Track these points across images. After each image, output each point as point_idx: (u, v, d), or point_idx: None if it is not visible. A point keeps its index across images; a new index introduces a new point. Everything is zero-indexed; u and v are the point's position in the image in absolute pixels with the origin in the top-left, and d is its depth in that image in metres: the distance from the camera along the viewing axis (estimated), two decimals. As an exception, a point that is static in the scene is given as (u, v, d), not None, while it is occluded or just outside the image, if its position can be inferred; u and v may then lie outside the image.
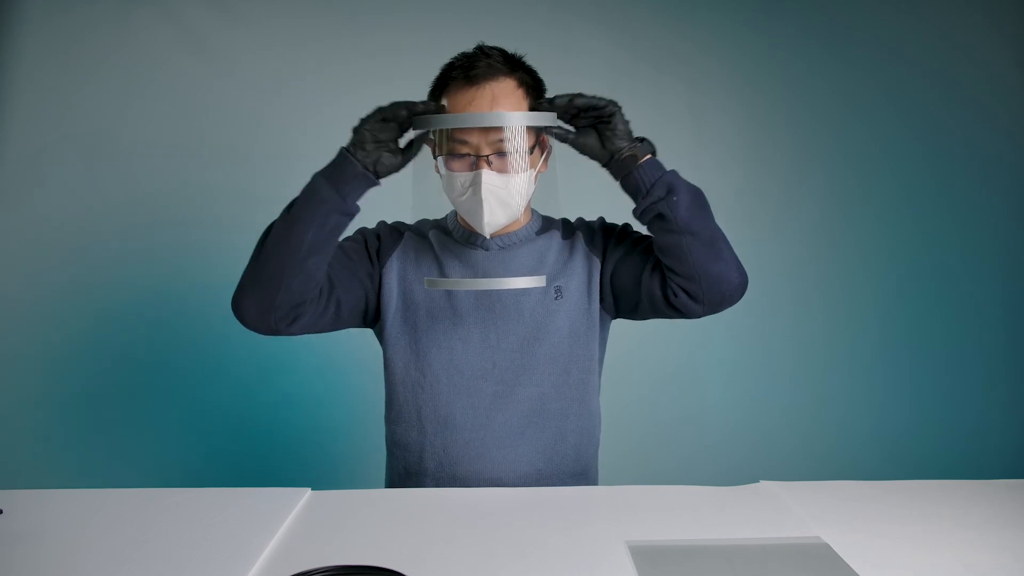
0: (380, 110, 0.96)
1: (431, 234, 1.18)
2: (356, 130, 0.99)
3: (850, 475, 1.14)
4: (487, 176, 1.01)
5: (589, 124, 1.01)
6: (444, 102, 1.07)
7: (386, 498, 0.99)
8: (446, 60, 1.12)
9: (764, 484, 1.07)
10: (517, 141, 1.01)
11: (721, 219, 1.16)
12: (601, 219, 1.24)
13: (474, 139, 1.01)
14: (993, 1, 2.21)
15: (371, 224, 1.22)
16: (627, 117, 1.02)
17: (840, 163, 2.21)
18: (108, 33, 1.94)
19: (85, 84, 1.94)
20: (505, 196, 1.02)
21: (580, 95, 0.98)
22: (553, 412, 1.12)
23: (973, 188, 2.22)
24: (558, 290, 1.13)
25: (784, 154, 2.20)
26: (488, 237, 1.08)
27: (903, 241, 2.21)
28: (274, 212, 2.10)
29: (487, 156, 1.01)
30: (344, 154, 1.00)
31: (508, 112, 1.02)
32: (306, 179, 1.02)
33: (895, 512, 0.96)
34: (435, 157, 1.09)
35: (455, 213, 1.19)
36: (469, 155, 1.02)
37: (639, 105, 2.10)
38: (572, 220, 1.25)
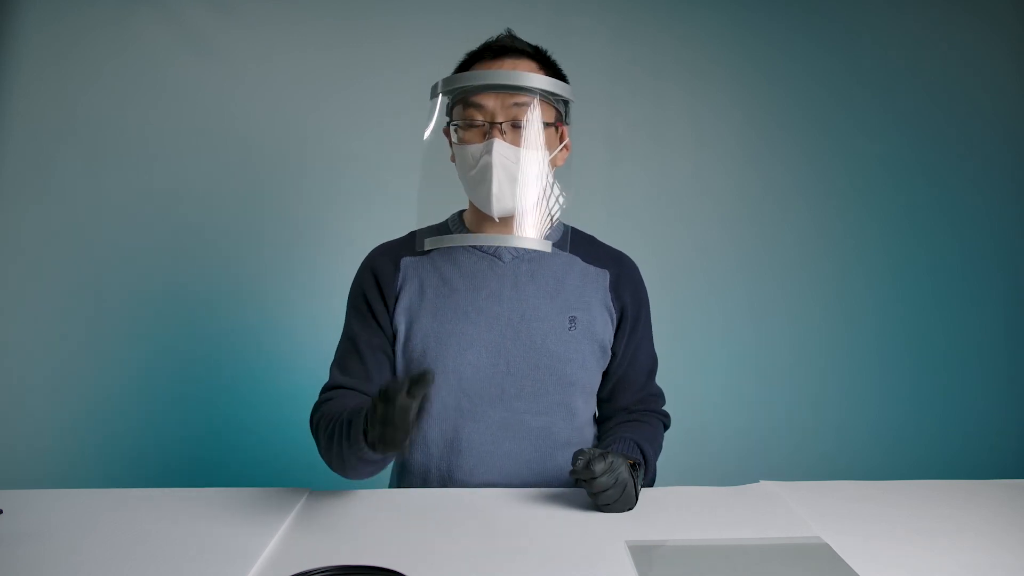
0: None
1: (435, 253, 1.12)
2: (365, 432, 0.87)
3: (849, 475, 1.14)
4: (499, 146, 0.97)
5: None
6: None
7: (386, 498, 0.99)
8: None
9: (764, 484, 1.07)
10: (534, 109, 0.97)
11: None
12: (635, 271, 1.19)
13: (490, 103, 0.98)
14: (989, 3, 2.22)
15: (363, 238, 1.20)
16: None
17: (839, 164, 2.21)
18: (109, 35, 1.94)
19: (87, 85, 1.93)
20: (515, 171, 0.97)
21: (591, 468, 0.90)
22: (560, 441, 1.10)
23: (971, 189, 2.23)
24: (572, 320, 1.09)
25: (783, 155, 2.20)
26: (496, 219, 1.02)
27: (902, 242, 2.22)
28: (275, 213, 2.11)
29: (500, 124, 0.98)
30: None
31: (526, 73, 0.94)
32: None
33: (895, 512, 0.96)
34: (452, 146, 1.07)
35: (459, 216, 1.16)
36: (483, 124, 0.99)
37: (639, 107, 2.13)
38: (597, 241, 1.19)
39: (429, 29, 2.04)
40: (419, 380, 0.80)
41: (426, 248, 0.96)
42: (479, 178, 0.99)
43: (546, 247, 0.93)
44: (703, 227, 2.17)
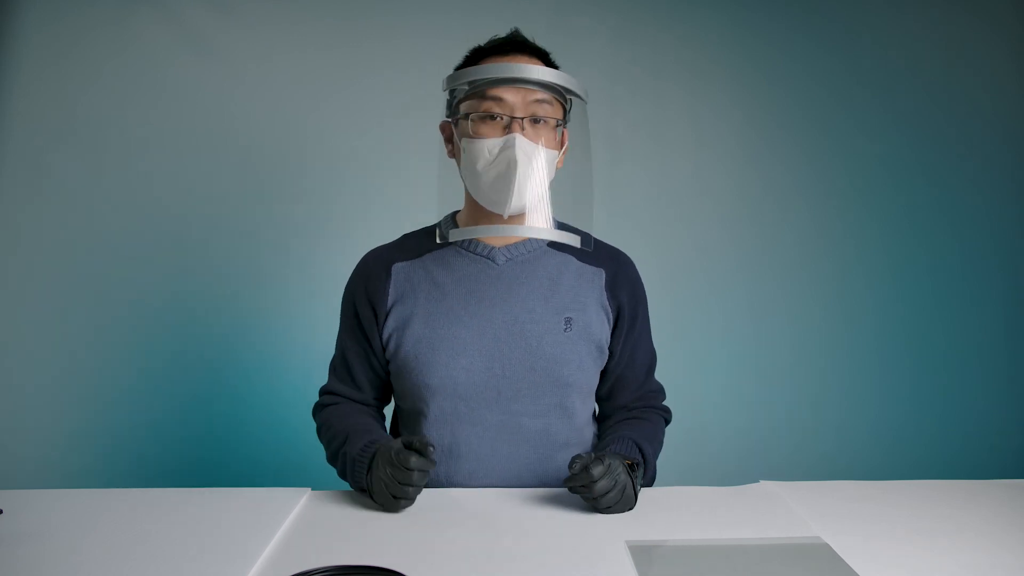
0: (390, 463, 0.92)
1: (427, 257, 1.12)
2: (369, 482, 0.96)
3: (849, 475, 1.14)
4: (521, 140, 0.96)
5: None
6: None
7: (386, 498, 0.99)
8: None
9: (764, 484, 1.07)
10: (553, 108, 0.98)
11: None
12: (631, 268, 1.18)
13: (510, 97, 0.97)
14: (989, 3, 2.22)
15: (352, 243, 1.22)
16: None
17: (839, 164, 2.21)
18: (109, 35, 1.94)
19: (87, 85, 1.93)
20: (533, 167, 0.96)
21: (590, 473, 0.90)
22: (559, 443, 1.09)
23: (971, 189, 2.23)
24: (568, 321, 1.08)
25: (783, 155, 2.20)
26: (506, 218, 1.00)
27: (902, 242, 2.22)
28: (275, 213, 2.10)
29: (521, 119, 0.97)
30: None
31: (556, 71, 0.94)
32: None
33: (895, 512, 0.96)
34: (450, 142, 1.06)
35: (452, 217, 1.15)
36: (501, 117, 0.98)
37: (639, 107, 2.13)
38: (594, 239, 1.17)
39: (429, 29, 2.04)
40: (421, 452, 0.90)
41: (451, 239, 0.96)
42: (496, 172, 0.97)
43: (574, 240, 0.94)
44: (703, 227, 2.17)
